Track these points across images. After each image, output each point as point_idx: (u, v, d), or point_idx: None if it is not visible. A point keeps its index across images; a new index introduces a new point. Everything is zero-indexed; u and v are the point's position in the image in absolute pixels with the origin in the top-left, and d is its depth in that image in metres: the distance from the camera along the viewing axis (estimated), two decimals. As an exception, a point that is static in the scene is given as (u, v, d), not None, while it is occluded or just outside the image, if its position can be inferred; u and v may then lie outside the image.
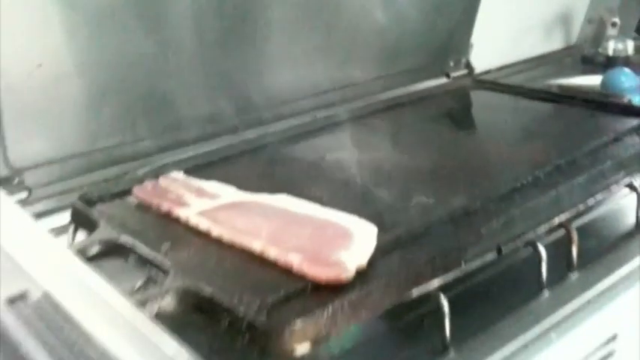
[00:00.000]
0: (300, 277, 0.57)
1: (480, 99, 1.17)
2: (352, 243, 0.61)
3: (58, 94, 0.80)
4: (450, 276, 0.59)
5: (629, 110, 0.98)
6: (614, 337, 0.69)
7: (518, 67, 1.44)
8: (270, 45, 1.00)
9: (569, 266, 0.69)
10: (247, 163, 0.88)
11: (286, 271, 0.59)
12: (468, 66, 1.26)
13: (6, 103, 0.75)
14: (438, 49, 1.22)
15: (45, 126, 0.80)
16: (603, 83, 1.27)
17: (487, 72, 1.35)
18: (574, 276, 0.69)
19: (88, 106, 0.83)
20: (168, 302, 0.55)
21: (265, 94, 1.01)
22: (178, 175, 0.80)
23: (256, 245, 0.61)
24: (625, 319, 0.72)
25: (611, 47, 1.45)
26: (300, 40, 1.03)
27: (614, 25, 1.42)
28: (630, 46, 1.46)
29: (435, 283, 0.58)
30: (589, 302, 0.66)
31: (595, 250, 0.74)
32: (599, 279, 0.68)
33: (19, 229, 0.51)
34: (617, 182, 0.75)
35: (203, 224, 0.66)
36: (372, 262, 0.60)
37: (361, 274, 0.58)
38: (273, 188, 0.73)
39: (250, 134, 0.98)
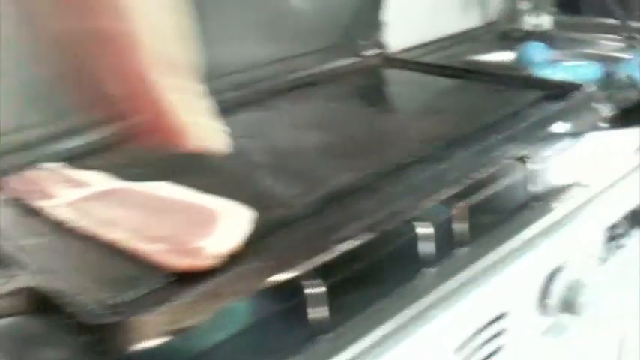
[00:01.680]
0: (160, 269, 0.54)
1: (389, 77, 1.15)
2: (216, 228, 0.58)
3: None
4: (326, 256, 0.56)
5: (529, 83, 0.97)
6: (503, 315, 0.68)
7: (436, 46, 1.42)
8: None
9: (452, 244, 0.67)
10: (136, 151, 0.83)
11: (149, 264, 0.55)
12: (380, 45, 1.23)
13: None
14: (348, 28, 1.19)
15: None
16: (516, 58, 1.26)
17: (403, 51, 1.33)
18: (459, 252, 0.67)
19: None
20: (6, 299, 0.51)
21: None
22: (50, 165, 0.75)
23: (115, 236, 0.57)
24: (515, 297, 0.71)
25: (528, 22, 1.45)
26: (205, 16, 0.98)
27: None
28: (547, 20, 1.46)
29: (307, 266, 0.55)
30: (473, 279, 0.64)
31: (484, 227, 0.72)
32: (490, 249, 0.67)
33: None
34: (504, 155, 0.74)
35: (66, 216, 0.62)
36: (249, 247, 0.57)
37: (226, 261, 0.55)
38: (159, 176, 0.69)
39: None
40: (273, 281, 0.54)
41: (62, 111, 0.87)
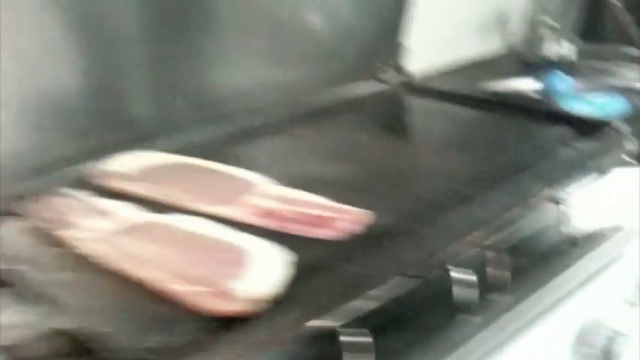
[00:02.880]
0: (194, 311, 0.52)
1: (409, 105, 1.14)
2: (250, 270, 0.56)
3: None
4: (367, 304, 0.55)
5: (557, 117, 0.96)
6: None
7: (456, 71, 1.41)
8: (184, 45, 0.93)
9: (486, 287, 0.65)
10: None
11: (179, 304, 0.54)
12: (400, 69, 1.22)
13: None
14: (366, 50, 1.17)
15: None
16: (539, 87, 1.25)
17: (423, 76, 1.32)
18: (493, 297, 0.65)
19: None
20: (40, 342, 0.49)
21: (182, 98, 0.95)
22: (74, 192, 0.73)
23: (143, 276, 0.56)
24: (552, 346, 0.69)
25: (550, 50, 1.44)
26: (220, 39, 0.98)
27: (551, 27, 1.40)
28: (568, 48, 1.44)
29: (345, 313, 0.54)
30: (510, 327, 0.63)
31: (519, 273, 0.70)
32: (521, 299, 0.65)
33: None
34: (537, 195, 0.72)
35: (89, 250, 0.60)
36: (276, 291, 0.55)
37: (261, 306, 0.53)
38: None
39: (166, 142, 0.91)
40: (310, 330, 0.52)
41: (82, 132, 0.86)
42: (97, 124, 0.87)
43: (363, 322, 0.54)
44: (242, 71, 1.01)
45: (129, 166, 0.78)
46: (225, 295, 0.53)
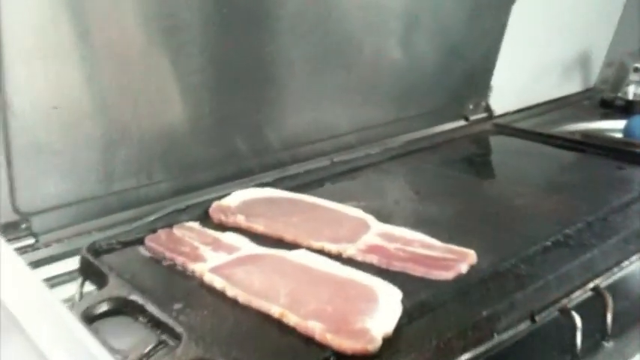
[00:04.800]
0: (323, 346, 0.54)
1: (500, 144, 1.14)
2: (377, 308, 0.58)
3: (73, 136, 0.77)
4: (481, 348, 0.55)
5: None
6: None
7: (536, 110, 1.42)
8: (286, 86, 0.97)
9: (603, 334, 0.65)
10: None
11: (307, 339, 0.55)
12: (488, 109, 1.23)
13: (18, 145, 0.73)
14: (457, 92, 1.20)
15: (57, 169, 0.77)
16: (626, 129, 1.24)
17: (505, 114, 1.32)
18: (609, 345, 0.65)
19: (103, 148, 0.80)
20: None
21: (281, 135, 0.99)
22: (194, 224, 0.76)
23: (275, 310, 0.58)
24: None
25: (632, 91, 1.43)
26: (318, 81, 1.01)
27: (636, 70, 1.39)
28: (650, 90, 1.43)
29: (465, 356, 0.55)
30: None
31: (629, 314, 0.70)
32: (636, 349, 0.64)
33: (16, 284, 0.47)
34: (653, 244, 0.72)
35: (218, 283, 0.63)
36: (397, 329, 0.56)
37: (386, 344, 0.54)
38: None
39: (266, 177, 0.95)
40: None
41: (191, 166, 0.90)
42: (204, 161, 0.91)
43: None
44: (338, 112, 1.04)
45: (244, 201, 0.81)
46: (357, 333, 0.54)
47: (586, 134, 1.16)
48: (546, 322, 0.63)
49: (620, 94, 1.44)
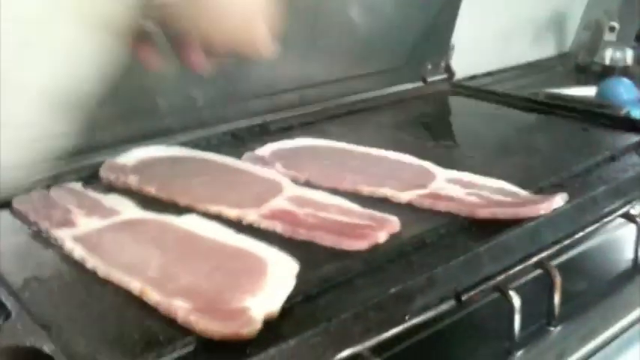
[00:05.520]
0: (187, 331, 0.43)
1: (457, 105, 1.03)
2: (264, 284, 0.46)
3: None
4: (388, 334, 0.45)
5: (628, 124, 0.84)
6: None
7: (506, 74, 1.30)
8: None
9: (549, 318, 0.54)
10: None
11: (171, 321, 0.44)
12: (448, 70, 1.11)
13: None
14: (414, 50, 1.08)
15: None
16: (599, 93, 1.13)
17: (471, 78, 1.21)
18: (555, 331, 0.54)
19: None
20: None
21: (207, 91, 0.87)
22: (75, 185, 0.65)
23: (134, 286, 0.46)
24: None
25: (609, 56, 1.31)
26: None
27: (612, 29, 1.28)
28: (629, 55, 1.32)
29: (367, 343, 0.43)
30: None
31: (582, 296, 0.59)
32: (588, 335, 0.54)
33: None
34: (612, 212, 0.61)
35: (77, 252, 0.51)
36: (287, 309, 0.45)
37: (269, 327, 0.43)
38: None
39: (187, 137, 0.83)
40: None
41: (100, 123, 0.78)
42: (113, 116, 0.79)
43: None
44: (275, 66, 0.92)
45: (142, 160, 0.69)
46: (233, 314, 0.43)
47: (550, 95, 1.05)
48: (478, 303, 0.53)
49: (596, 59, 1.33)
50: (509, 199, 0.60)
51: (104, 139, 0.78)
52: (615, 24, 1.28)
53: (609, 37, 1.28)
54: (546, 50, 1.42)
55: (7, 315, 0.44)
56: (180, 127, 0.85)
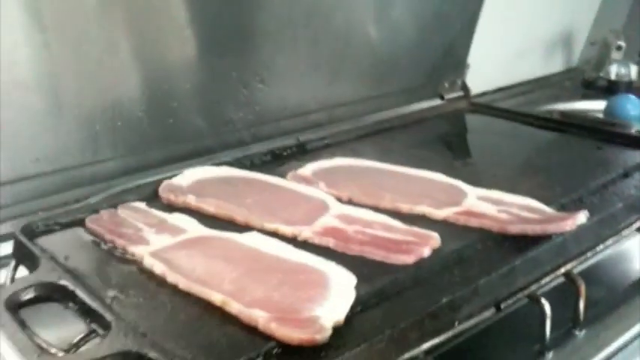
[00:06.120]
0: (268, 337, 0.49)
1: (476, 123, 1.09)
2: (328, 295, 0.53)
3: (8, 108, 0.71)
4: (440, 338, 0.51)
5: (632, 140, 0.90)
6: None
7: (516, 90, 1.37)
8: (248, 60, 0.91)
9: (575, 323, 0.61)
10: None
11: (251, 329, 0.50)
12: (464, 88, 1.18)
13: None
14: (433, 69, 1.14)
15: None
16: (607, 110, 1.20)
17: (483, 94, 1.28)
18: (581, 334, 0.60)
19: (43, 121, 0.74)
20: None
21: (245, 113, 0.93)
22: (140, 205, 0.71)
23: (216, 298, 0.53)
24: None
25: (614, 71, 1.38)
26: (285, 55, 0.95)
27: (618, 48, 1.35)
28: (634, 70, 1.38)
29: (423, 347, 0.50)
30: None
31: (604, 302, 0.66)
32: (610, 339, 0.60)
33: None
34: (628, 225, 0.67)
35: (158, 268, 0.57)
36: (349, 317, 0.51)
37: (337, 333, 0.49)
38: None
39: (226, 157, 0.89)
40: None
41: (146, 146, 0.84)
42: (159, 138, 0.85)
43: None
44: (306, 88, 0.99)
45: (197, 181, 0.75)
46: (305, 322, 0.49)
47: (564, 114, 1.11)
48: (513, 310, 0.59)
49: (602, 74, 1.40)
50: (536, 215, 0.66)
51: (152, 161, 0.85)
52: (622, 43, 1.34)
53: (616, 55, 1.35)
54: (555, 66, 1.48)
55: (107, 325, 0.51)
56: (220, 146, 0.92)
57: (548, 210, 0.68)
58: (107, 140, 0.81)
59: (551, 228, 0.63)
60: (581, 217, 0.64)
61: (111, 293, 0.55)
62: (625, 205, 0.72)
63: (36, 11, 0.70)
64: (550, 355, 0.58)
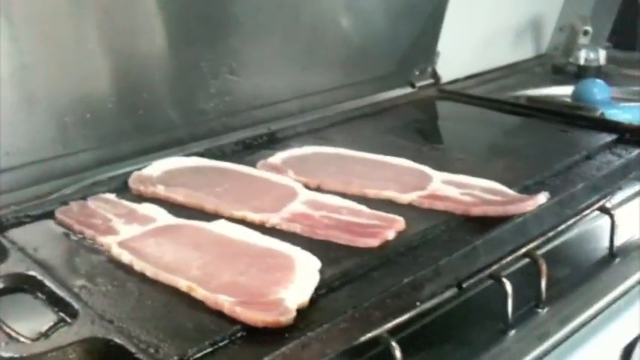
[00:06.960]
0: (233, 321, 0.50)
1: (446, 110, 1.11)
2: (293, 278, 0.54)
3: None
4: (403, 318, 0.52)
5: (603, 125, 0.92)
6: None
7: (487, 77, 1.38)
8: (219, 50, 0.92)
9: (537, 301, 0.62)
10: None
11: (218, 313, 0.51)
12: (434, 75, 1.19)
13: None
14: (403, 58, 1.16)
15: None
16: (575, 94, 1.22)
17: (454, 81, 1.29)
18: (543, 312, 0.62)
19: (12, 115, 0.74)
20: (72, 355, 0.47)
21: (215, 103, 0.94)
22: (109, 196, 0.71)
23: (182, 284, 0.53)
24: None
25: (583, 57, 1.40)
26: (255, 45, 0.96)
27: (585, 33, 1.37)
28: (602, 55, 1.41)
29: (386, 326, 0.51)
30: (560, 343, 0.59)
31: (565, 281, 0.67)
32: (571, 315, 0.62)
33: None
34: (589, 206, 0.69)
35: (125, 257, 0.58)
36: (314, 299, 0.53)
37: (301, 315, 0.51)
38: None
39: (197, 147, 0.90)
40: (352, 343, 0.50)
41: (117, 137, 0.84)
42: (130, 130, 0.86)
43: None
44: (277, 78, 0.99)
45: (166, 171, 0.76)
46: (270, 304, 0.50)
47: (532, 99, 1.13)
48: (477, 290, 0.61)
49: (571, 60, 1.41)
50: (498, 197, 0.68)
51: (124, 152, 0.85)
52: (589, 28, 1.36)
53: (583, 40, 1.37)
54: (525, 52, 1.50)
55: (74, 314, 0.51)
56: (191, 137, 0.92)
57: (510, 192, 0.70)
58: (78, 132, 0.81)
59: (512, 209, 0.64)
60: (541, 198, 0.66)
61: (79, 282, 0.56)
62: (586, 185, 0.74)
63: (4, 4, 0.70)
64: (513, 332, 0.59)
